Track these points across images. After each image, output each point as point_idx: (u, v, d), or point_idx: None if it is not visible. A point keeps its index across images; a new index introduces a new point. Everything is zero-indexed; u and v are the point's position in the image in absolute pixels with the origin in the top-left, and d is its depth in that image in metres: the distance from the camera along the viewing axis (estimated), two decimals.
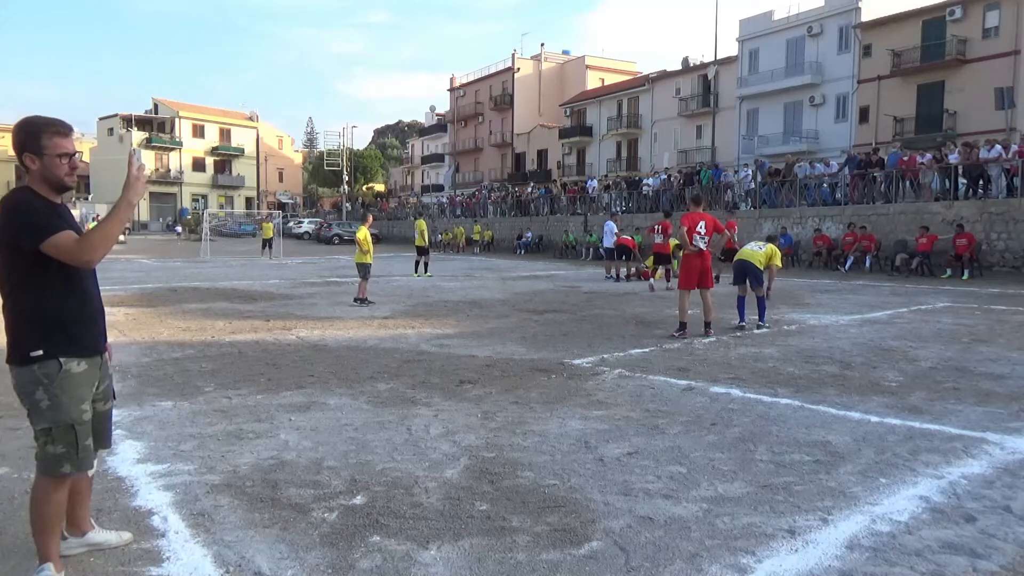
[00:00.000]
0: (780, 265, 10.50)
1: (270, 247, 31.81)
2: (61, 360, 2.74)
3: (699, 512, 3.56)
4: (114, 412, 5.46)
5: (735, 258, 10.27)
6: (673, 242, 17.24)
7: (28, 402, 2.78)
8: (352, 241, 27.32)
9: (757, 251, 10.06)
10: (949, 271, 18.86)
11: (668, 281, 16.94)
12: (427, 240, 21.33)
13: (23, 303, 2.74)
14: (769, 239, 10.69)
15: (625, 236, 20.67)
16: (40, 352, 2.71)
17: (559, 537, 3.27)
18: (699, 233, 9.51)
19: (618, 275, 19.40)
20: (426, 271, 20.69)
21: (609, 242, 20.37)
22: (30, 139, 2.73)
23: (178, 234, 57.26)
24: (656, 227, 18.06)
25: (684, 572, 2.96)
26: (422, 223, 21.83)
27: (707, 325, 9.48)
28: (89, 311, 2.88)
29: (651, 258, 18.34)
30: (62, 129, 2.77)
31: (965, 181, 21.55)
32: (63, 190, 2.80)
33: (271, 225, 33.62)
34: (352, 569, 2.99)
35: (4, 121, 73.71)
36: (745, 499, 3.73)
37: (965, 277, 18.34)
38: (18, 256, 2.69)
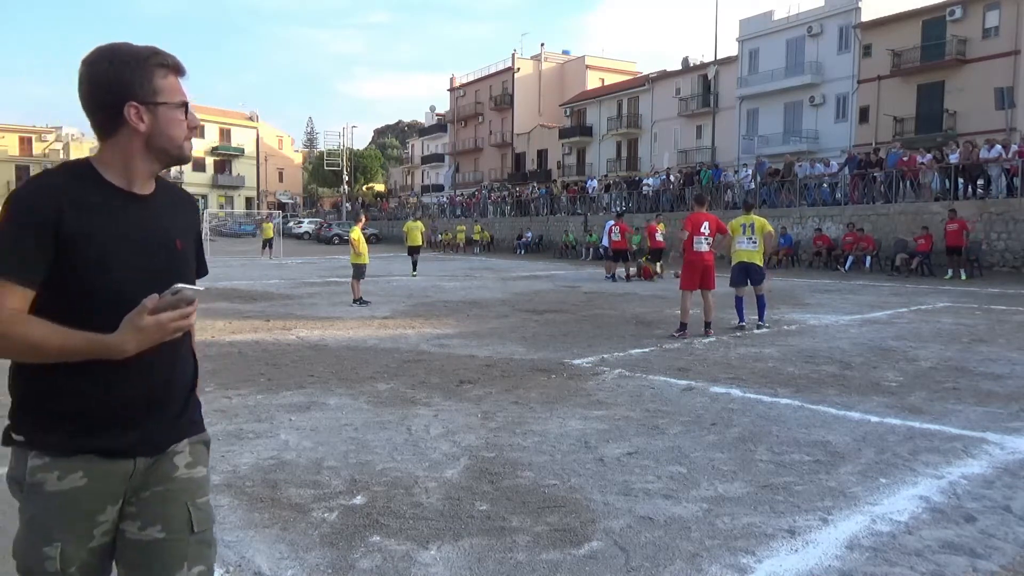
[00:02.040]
0: (771, 229, 10.54)
1: (270, 247, 31.83)
2: (29, 457, 1.59)
3: (699, 512, 3.56)
4: None
5: (734, 261, 10.28)
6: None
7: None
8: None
9: (753, 250, 10.07)
10: (951, 271, 18.78)
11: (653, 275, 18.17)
12: (422, 240, 21.30)
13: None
14: (747, 207, 10.57)
15: (615, 237, 20.70)
16: (20, 436, 1.61)
17: (559, 537, 3.27)
18: (703, 234, 9.52)
19: (615, 275, 19.40)
20: (413, 269, 20.60)
21: (608, 242, 20.50)
22: (136, 77, 1.59)
23: None
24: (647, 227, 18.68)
25: (684, 572, 2.96)
26: (411, 224, 21.72)
27: (707, 325, 9.49)
28: (120, 395, 1.62)
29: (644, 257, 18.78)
30: (176, 64, 1.68)
31: (963, 181, 21.55)
32: (178, 162, 1.74)
33: (271, 225, 33.68)
34: (352, 569, 2.99)
35: (4, 121, 73.91)
36: (745, 499, 3.73)
37: (964, 277, 18.28)
38: None
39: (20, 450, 1.61)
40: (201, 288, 1.61)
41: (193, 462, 1.74)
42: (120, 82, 1.60)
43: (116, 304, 1.54)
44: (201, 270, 1.86)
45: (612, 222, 20.73)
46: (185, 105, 1.69)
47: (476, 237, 40.34)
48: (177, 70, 1.68)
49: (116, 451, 1.62)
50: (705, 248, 9.54)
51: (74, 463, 1.58)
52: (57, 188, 1.56)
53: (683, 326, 9.39)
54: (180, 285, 1.54)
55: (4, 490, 3.86)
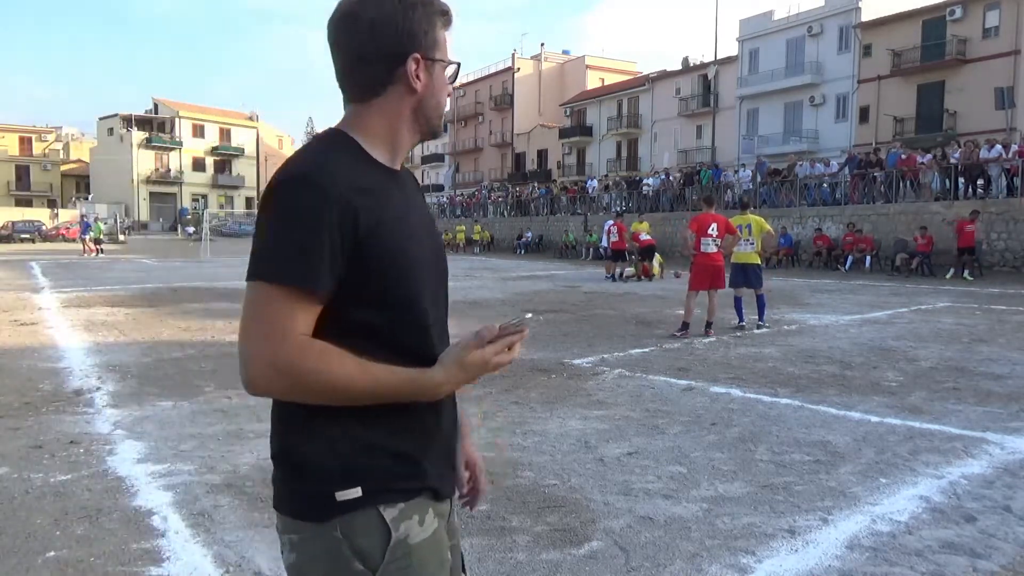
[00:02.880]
0: (770, 229, 10.55)
1: None
2: (382, 510, 1.23)
3: (699, 512, 3.56)
4: (114, 412, 5.53)
5: (732, 262, 10.30)
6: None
7: None
8: None
9: (750, 251, 10.08)
10: (952, 270, 18.74)
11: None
12: None
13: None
14: (743, 206, 10.57)
15: (613, 238, 20.72)
16: (356, 492, 1.21)
17: (559, 537, 3.27)
18: (711, 235, 9.52)
19: (615, 275, 19.41)
20: None
21: (608, 242, 20.64)
22: (423, 24, 1.31)
23: (190, 235, 54.64)
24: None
25: (684, 572, 2.96)
26: None
27: (708, 325, 9.49)
28: (438, 424, 1.35)
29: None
30: (451, 16, 1.38)
31: (963, 181, 21.55)
32: (431, 137, 1.42)
33: None
34: None
35: (4, 121, 73.95)
36: (745, 499, 3.73)
37: (971, 278, 18.17)
38: None
39: (356, 514, 1.21)
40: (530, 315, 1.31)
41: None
42: (409, 26, 1.29)
43: (411, 319, 1.27)
44: None
45: (611, 222, 20.77)
46: (456, 66, 1.39)
47: (476, 237, 40.34)
48: (448, 22, 1.37)
49: (441, 492, 1.33)
50: (714, 249, 9.54)
51: (422, 503, 1.28)
52: (344, 170, 1.22)
53: (685, 326, 9.39)
54: (528, 314, 1.30)
55: (4, 490, 3.87)
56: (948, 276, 18.60)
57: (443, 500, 1.34)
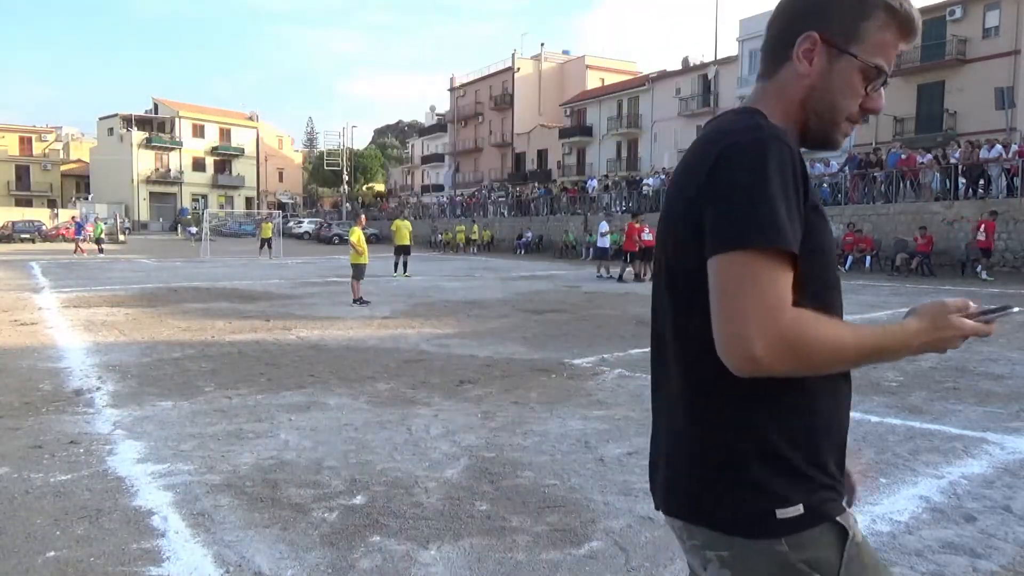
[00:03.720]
0: None
1: (269, 247, 31.82)
2: (841, 523, 1.16)
3: None
4: (114, 412, 5.53)
5: None
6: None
7: None
8: None
9: None
10: (984, 272, 18.28)
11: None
12: (410, 240, 21.11)
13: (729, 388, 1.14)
14: None
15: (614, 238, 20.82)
16: (797, 509, 1.13)
17: (559, 537, 3.27)
18: None
19: (622, 275, 19.42)
20: (405, 271, 20.41)
21: (603, 242, 20.81)
22: (840, 6, 1.18)
23: (191, 235, 53.43)
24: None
25: (684, 572, 2.95)
26: (400, 223, 21.54)
27: None
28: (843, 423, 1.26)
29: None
30: (908, 21, 1.20)
31: (963, 181, 21.55)
32: (822, 145, 1.27)
33: (270, 225, 33.65)
34: (352, 569, 2.99)
35: (4, 121, 73.93)
36: None
37: (986, 277, 17.99)
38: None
39: (804, 524, 1.12)
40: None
41: None
42: (824, 1, 1.18)
43: (830, 295, 1.26)
44: None
45: (604, 223, 21.04)
46: (881, 76, 1.21)
47: (475, 237, 40.34)
48: (904, 29, 1.19)
49: (848, 501, 1.24)
50: None
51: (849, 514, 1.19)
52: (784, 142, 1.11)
53: None
54: (1015, 308, 1.25)
55: (4, 490, 3.86)
56: (990, 279, 18.20)
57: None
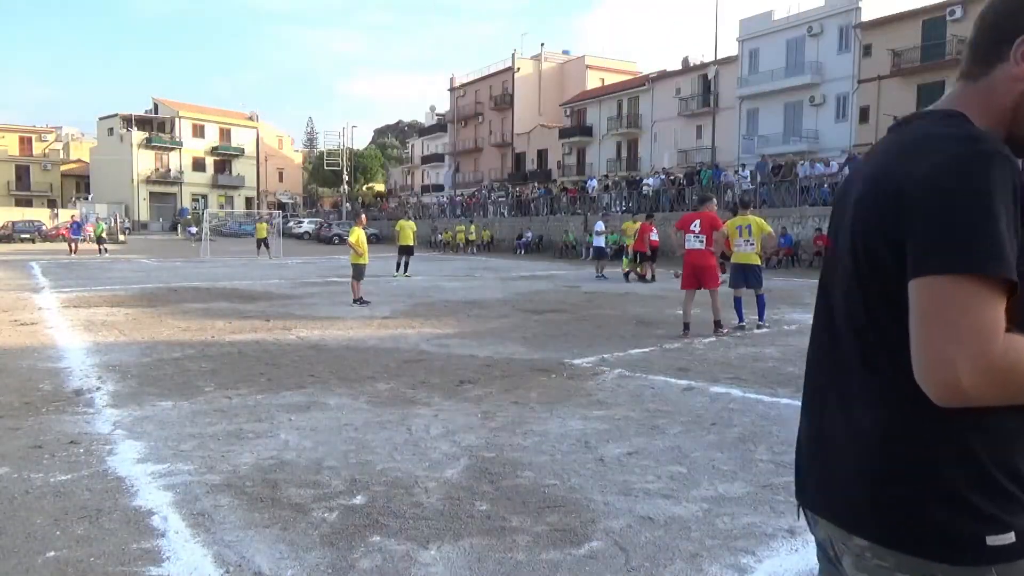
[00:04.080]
0: (770, 230, 10.54)
1: (266, 247, 31.77)
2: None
3: (699, 512, 3.56)
4: (114, 412, 5.53)
5: (732, 262, 10.32)
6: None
7: None
8: None
9: (750, 251, 10.09)
10: None
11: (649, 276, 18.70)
12: (414, 240, 21.02)
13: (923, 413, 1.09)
14: (744, 205, 10.60)
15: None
16: (1009, 537, 1.07)
17: (559, 537, 3.27)
18: (693, 232, 9.53)
19: (629, 275, 19.40)
20: (405, 271, 20.34)
21: (598, 241, 20.95)
22: None
23: (192, 235, 52.87)
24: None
25: (684, 572, 2.96)
26: (404, 223, 21.46)
27: (716, 324, 9.46)
28: None
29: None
30: None
31: None
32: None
33: (265, 225, 33.57)
34: (352, 569, 2.99)
35: (4, 121, 73.93)
36: (745, 499, 3.73)
37: None
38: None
39: (1016, 565, 1.07)
40: None
41: None
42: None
43: None
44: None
45: (600, 223, 21.23)
46: None
47: (473, 237, 40.35)
48: None
49: None
50: (698, 246, 9.51)
51: None
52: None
53: (685, 326, 9.39)
54: None
55: (4, 490, 3.86)
56: None
57: None
